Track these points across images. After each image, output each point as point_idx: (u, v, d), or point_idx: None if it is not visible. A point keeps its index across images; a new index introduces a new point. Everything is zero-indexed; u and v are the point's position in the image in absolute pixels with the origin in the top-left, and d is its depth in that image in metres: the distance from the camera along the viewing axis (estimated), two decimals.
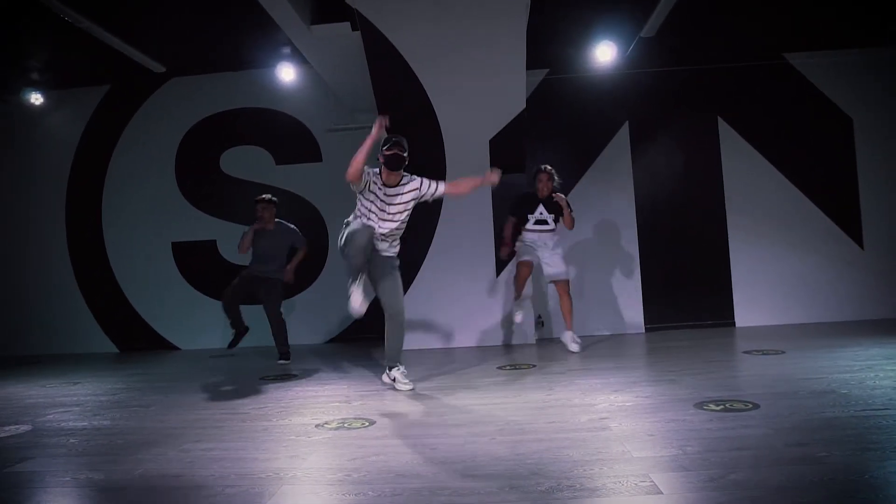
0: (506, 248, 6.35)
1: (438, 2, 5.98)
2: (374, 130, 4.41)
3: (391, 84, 6.68)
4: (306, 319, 8.11)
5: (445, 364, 5.70)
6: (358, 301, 4.47)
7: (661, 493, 2.26)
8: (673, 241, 7.67)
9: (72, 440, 3.56)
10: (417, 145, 7.08)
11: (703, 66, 7.69)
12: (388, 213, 4.56)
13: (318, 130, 8.33)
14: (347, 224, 4.61)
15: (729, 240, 7.64)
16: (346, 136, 8.21)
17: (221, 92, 8.47)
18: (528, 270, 6.28)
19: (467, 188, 4.86)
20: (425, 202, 4.76)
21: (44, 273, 8.63)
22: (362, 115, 8.04)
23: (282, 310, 6.64)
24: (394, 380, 4.65)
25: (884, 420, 3.00)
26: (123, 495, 2.61)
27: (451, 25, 6.12)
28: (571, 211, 6.06)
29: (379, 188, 4.51)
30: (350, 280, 4.55)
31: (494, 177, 4.70)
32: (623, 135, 7.76)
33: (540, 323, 7.38)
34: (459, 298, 6.95)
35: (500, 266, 7.04)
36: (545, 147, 7.69)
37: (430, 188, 4.66)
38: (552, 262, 6.18)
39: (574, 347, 6.05)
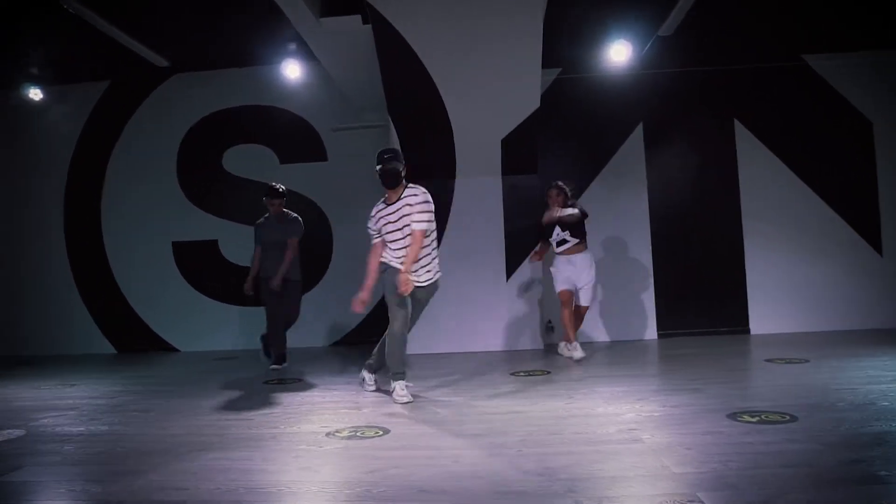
0: (535, 256, 6.30)
1: None
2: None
3: (401, 80, 6.49)
4: (309, 322, 7.89)
5: (455, 369, 5.49)
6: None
7: None
8: (687, 245, 7.47)
9: (67, 447, 3.36)
10: (427, 144, 6.98)
11: (720, 67, 7.50)
12: (391, 228, 4.38)
13: (324, 129, 8.13)
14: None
15: (744, 245, 7.44)
16: (352, 136, 8.04)
17: (225, 89, 8.27)
18: (569, 296, 5.98)
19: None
20: None
21: (41, 272, 8.42)
22: (369, 114, 7.86)
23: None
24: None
25: None
26: None
27: (465, 21, 5.94)
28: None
29: (388, 213, 4.38)
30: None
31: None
32: (637, 136, 7.57)
33: (550, 328, 7.18)
34: (468, 302, 6.76)
35: (511, 269, 6.85)
36: (557, 148, 7.50)
37: (411, 217, 4.33)
38: (585, 285, 5.97)
39: (578, 354, 5.79)
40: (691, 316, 7.40)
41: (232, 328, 8.01)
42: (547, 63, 7.05)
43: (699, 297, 7.42)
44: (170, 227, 8.28)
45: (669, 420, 3.35)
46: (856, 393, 3.75)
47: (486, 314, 6.83)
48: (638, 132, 7.56)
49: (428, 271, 4.45)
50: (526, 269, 6.85)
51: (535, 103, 6.52)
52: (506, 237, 6.87)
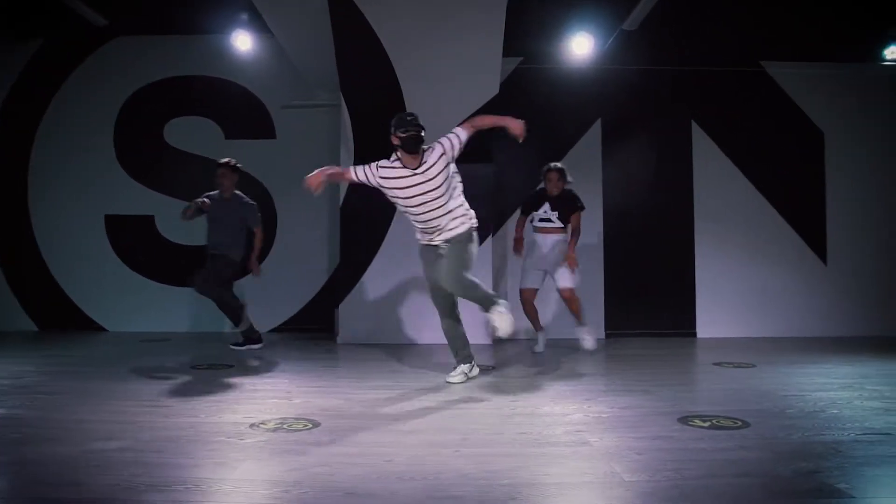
0: (518, 247, 5.93)
1: None
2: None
3: (357, 58, 6.21)
4: (249, 306, 7.53)
5: (398, 362, 5.24)
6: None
7: None
8: (639, 244, 7.39)
9: None
10: (380, 128, 6.67)
11: (680, 67, 7.43)
12: (431, 196, 4.07)
13: (273, 106, 7.75)
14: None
15: (696, 247, 7.42)
16: (303, 114, 7.69)
17: (170, 56, 7.77)
18: (530, 295, 5.87)
19: (489, 123, 4.43)
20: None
21: None
22: (322, 93, 7.52)
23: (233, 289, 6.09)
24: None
25: (893, 446, 2.71)
26: None
27: (427, 1, 5.69)
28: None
29: (405, 178, 4.06)
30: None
31: (517, 126, 4.27)
32: (595, 132, 7.45)
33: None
34: (413, 293, 6.50)
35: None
36: (513, 140, 7.27)
37: (455, 143, 4.15)
38: (560, 275, 5.79)
39: (589, 344, 5.77)
40: (640, 316, 7.34)
41: (165, 308, 7.56)
42: (508, 52, 6.86)
43: (648, 297, 7.36)
44: (103, 200, 7.76)
45: (618, 422, 3.19)
46: (805, 399, 3.67)
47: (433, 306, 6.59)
48: (596, 127, 7.44)
49: (455, 222, 4.23)
50: (479, 261, 6.62)
51: (493, 90, 6.33)
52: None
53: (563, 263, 5.72)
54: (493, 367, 4.97)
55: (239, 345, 5.87)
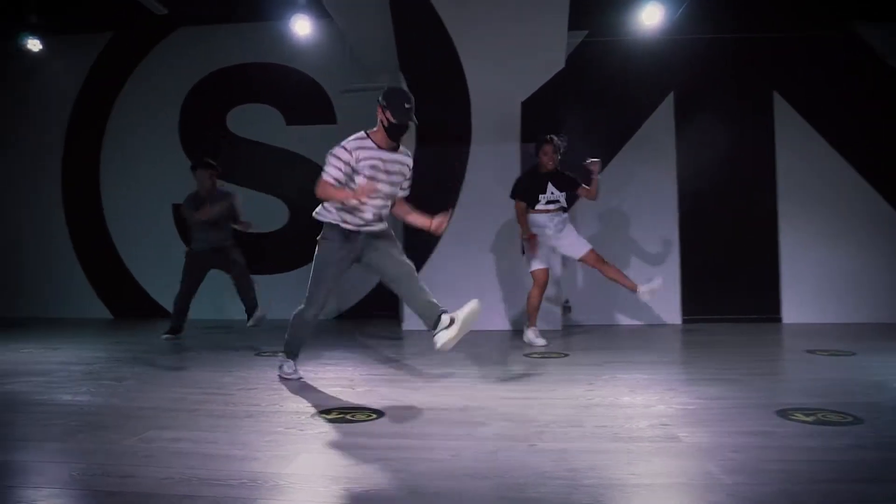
0: (533, 238, 5.36)
1: None
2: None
3: (416, 36, 6.01)
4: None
5: (463, 349, 4.98)
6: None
7: None
8: (717, 226, 6.93)
9: (19, 416, 2.97)
10: (441, 105, 6.49)
11: (759, 34, 6.88)
12: (388, 183, 3.64)
13: (333, 90, 7.64)
14: (323, 228, 3.72)
15: (779, 228, 6.89)
16: (363, 98, 7.47)
17: (231, 44, 7.80)
18: (544, 276, 5.39)
19: (404, 217, 3.94)
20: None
21: (37, 232, 8.06)
22: (382, 76, 7.34)
23: None
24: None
25: None
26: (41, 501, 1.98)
27: None
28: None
29: (375, 158, 3.58)
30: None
31: (438, 222, 3.78)
32: (667, 107, 7.00)
33: (567, 308, 6.72)
34: (480, 277, 6.29)
35: None
36: (581, 116, 6.95)
37: (406, 183, 3.82)
38: (569, 243, 5.40)
39: (651, 293, 5.31)
40: (719, 301, 6.89)
41: (231, 296, 7.59)
42: (574, 25, 6.50)
43: (728, 281, 6.89)
44: (171, 189, 7.85)
45: (707, 415, 2.88)
46: None
47: (499, 291, 6.38)
48: (668, 102, 6.98)
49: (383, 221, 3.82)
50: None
51: (559, 64, 6.01)
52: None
53: (572, 232, 5.39)
54: (567, 355, 4.70)
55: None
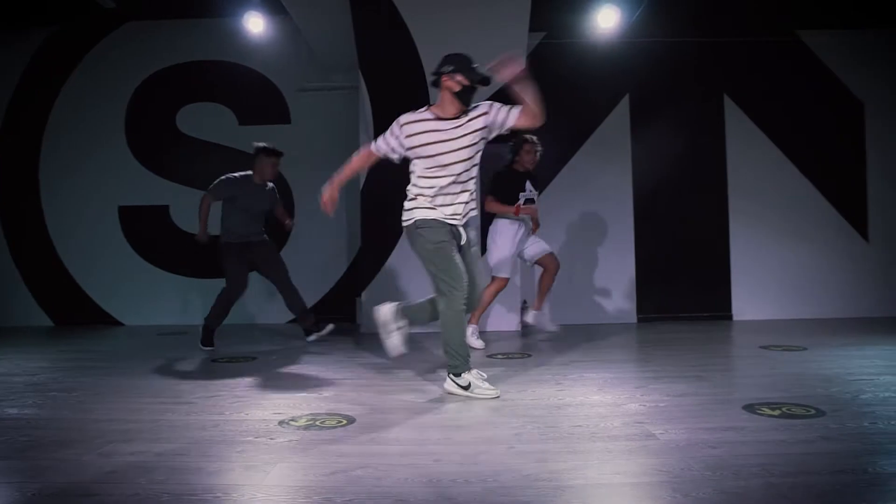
0: (525, 209, 5.25)
1: None
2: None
3: (376, 34, 5.93)
4: (271, 296, 7.31)
5: (425, 350, 4.98)
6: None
7: None
8: (671, 225, 7.08)
9: None
10: (401, 105, 6.40)
11: (711, 39, 7.08)
12: (461, 156, 3.34)
13: (288, 89, 7.49)
14: (416, 227, 3.41)
15: (730, 227, 7.09)
16: (319, 98, 7.43)
17: (181, 41, 7.53)
18: (504, 284, 5.32)
19: (532, 96, 3.26)
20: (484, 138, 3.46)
21: None
22: (338, 75, 7.26)
23: None
24: (467, 386, 3.38)
25: None
26: None
27: None
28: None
29: (436, 131, 3.33)
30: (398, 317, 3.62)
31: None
32: (623, 108, 7.11)
33: (525, 308, 6.74)
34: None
35: (485, 242, 6.36)
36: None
37: (500, 115, 3.34)
38: (532, 242, 5.44)
39: (553, 326, 5.37)
40: (672, 299, 7.04)
41: (182, 301, 7.37)
42: (531, 26, 6.54)
43: (681, 279, 7.05)
44: (116, 191, 7.56)
45: (679, 412, 2.91)
46: (874, 384, 3.38)
47: None
48: (624, 104, 7.10)
49: (470, 204, 3.54)
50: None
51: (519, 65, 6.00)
52: (481, 209, 6.36)
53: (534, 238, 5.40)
54: (529, 355, 4.71)
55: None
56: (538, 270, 6.24)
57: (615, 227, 7.05)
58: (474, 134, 3.36)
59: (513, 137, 5.40)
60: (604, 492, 1.95)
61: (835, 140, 7.11)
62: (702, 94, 7.12)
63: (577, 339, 5.62)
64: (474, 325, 5.26)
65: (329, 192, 3.52)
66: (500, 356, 4.70)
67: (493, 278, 5.31)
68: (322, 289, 7.41)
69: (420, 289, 6.14)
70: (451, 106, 3.36)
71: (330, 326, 5.58)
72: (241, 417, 2.97)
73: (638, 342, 5.54)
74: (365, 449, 2.45)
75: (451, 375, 3.39)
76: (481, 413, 2.99)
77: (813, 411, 2.84)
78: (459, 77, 3.29)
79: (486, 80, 3.35)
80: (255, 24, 6.78)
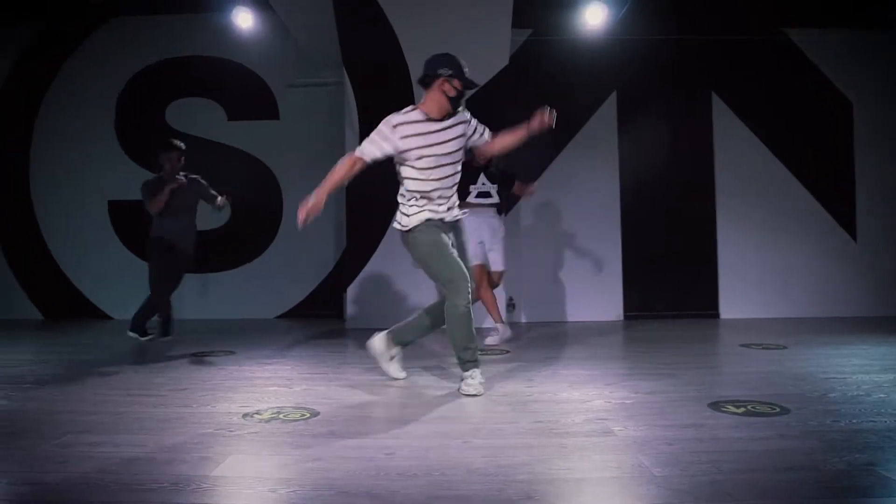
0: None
1: None
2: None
3: (359, 29, 5.93)
4: (253, 293, 7.33)
5: (408, 347, 4.97)
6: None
7: None
8: (658, 223, 7.08)
9: None
10: (385, 102, 6.40)
11: (699, 36, 7.07)
12: (448, 156, 3.38)
13: (277, 85, 7.50)
14: (411, 232, 3.42)
15: (717, 224, 7.09)
16: (307, 93, 7.43)
17: (170, 36, 7.54)
18: (481, 271, 5.08)
19: (511, 142, 3.62)
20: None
21: None
22: (326, 71, 7.25)
23: None
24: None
25: None
26: None
27: None
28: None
29: (426, 134, 3.33)
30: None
31: (547, 118, 3.52)
32: (610, 106, 7.11)
33: (511, 305, 6.75)
34: (416, 274, 6.23)
35: None
36: (525, 114, 6.94)
37: (477, 133, 3.52)
38: (494, 255, 5.17)
39: (494, 340, 5.10)
40: (659, 298, 7.04)
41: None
42: (518, 23, 6.55)
43: (668, 277, 7.06)
44: (106, 185, 7.57)
45: (643, 409, 2.92)
46: (846, 383, 3.37)
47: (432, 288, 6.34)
48: (611, 101, 7.10)
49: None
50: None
51: (503, 61, 6.03)
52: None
53: (500, 242, 5.17)
54: (508, 352, 4.71)
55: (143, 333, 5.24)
56: (524, 270, 6.23)
57: (602, 224, 7.04)
58: (459, 138, 3.43)
59: None
60: (548, 487, 1.95)
61: (823, 139, 7.10)
62: (689, 92, 7.12)
63: (559, 336, 5.63)
64: (501, 324, 5.15)
65: (314, 202, 3.33)
66: (477, 353, 4.69)
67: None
68: (311, 284, 7.42)
69: (402, 285, 6.19)
70: (440, 108, 3.36)
71: (150, 337, 5.26)
72: (206, 410, 2.98)
73: (619, 340, 5.55)
74: (322, 442, 2.46)
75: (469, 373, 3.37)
76: (444, 409, 3.00)
77: (778, 409, 2.84)
78: (456, 82, 3.30)
79: (476, 85, 3.42)
80: (244, 20, 6.80)
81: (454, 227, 3.55)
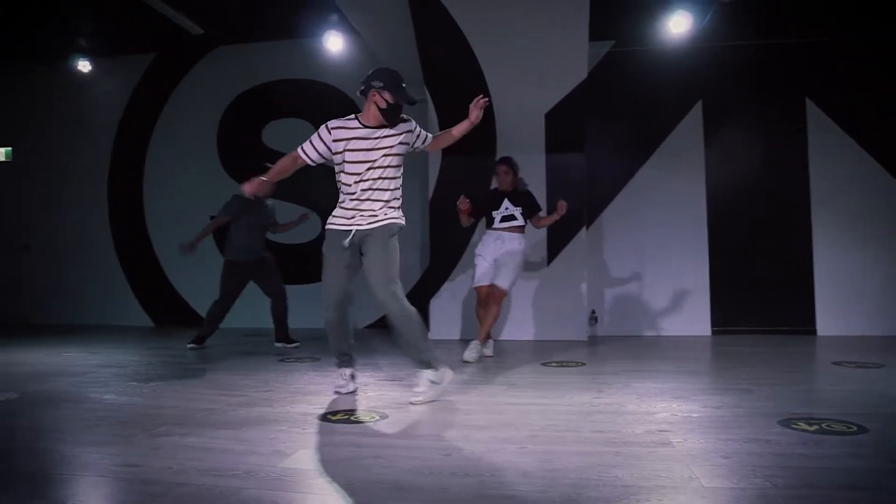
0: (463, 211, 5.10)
1: None
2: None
3: (438, 48, 6.13)
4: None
5: (488, 357, 5.10)
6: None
7: None
8: (748, 236, 6.84)
9: (48, 411, 3.17)
10: (464, 118, 6.55)
11: (788, 40, 6.80)
12: (379, 164, 3.48)
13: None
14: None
15: (813, 237, 6.76)
16: None
17: (266, 62, 8.12)
18: (486, 292, 5.13)
19: (453, 137, 3.76)
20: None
21: (84, 243, 8.52)
22: (410, 89, 7.46)
23: None
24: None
25: None
26: (46, 485, 2.13)
27: None
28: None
29: (361, 139, 3.47)
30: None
31: (475, 111, 3.58)
32: (695, 116, 6.96)
33: (594, 318, 6.71)
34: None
35: (553, 253, 6.41)
36: (608, 126, 6.98)
37: (419, 139, 3.66)
38: (504, 271, 5.08)
39: (471, 356, 4.91)
40: (750, 312, 6.79)
41: (264, 306, 7.83)
42: (600, 35, 6.58)
43: (760, 292, 6.79)
44: (210, 203, 8.13)
45: (708, 423, 2.88)
46: None
47: (525, 301, 6.41)
48: (696, 111, 6.95)
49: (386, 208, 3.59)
50: (572, 253, 6.36)
51: (582, 73, 6.04)
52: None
53: (513, 263, 5.08)
54: (584, 364, 4.72)
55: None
56: (607, 282, 6.22)
57: (687, 236, 6.89)
58: (395, 146, 3.52)
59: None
60: (590, 491, 1.99)
61: None
62: (780, 99, 6.85)
63: (640, 350, 5.56)
64: (477, 342, 5.03)
65: (258, 182, 3.85)
66: (554, 364, 4.74)
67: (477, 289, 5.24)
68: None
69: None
70: (374, 117, 3.52)
71: (297, 344, 5.91)
72: (285, 410, 3.20)
73: (701, 355, 5.41)
74: (384, 442, 2.61)
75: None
76: (511, 416, 3.07)
77: (855, 428, 2.72)
78: (387, 95, 3.43)
79: (412, 101, 3.53)
80: (334, 44, 7.18)
81: (367, 236, 3.53)
